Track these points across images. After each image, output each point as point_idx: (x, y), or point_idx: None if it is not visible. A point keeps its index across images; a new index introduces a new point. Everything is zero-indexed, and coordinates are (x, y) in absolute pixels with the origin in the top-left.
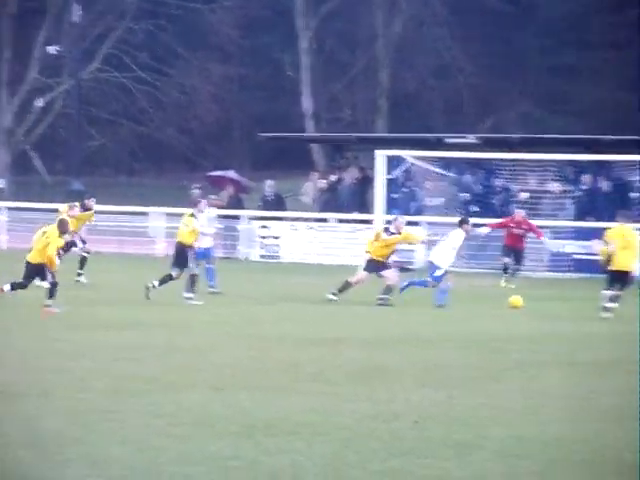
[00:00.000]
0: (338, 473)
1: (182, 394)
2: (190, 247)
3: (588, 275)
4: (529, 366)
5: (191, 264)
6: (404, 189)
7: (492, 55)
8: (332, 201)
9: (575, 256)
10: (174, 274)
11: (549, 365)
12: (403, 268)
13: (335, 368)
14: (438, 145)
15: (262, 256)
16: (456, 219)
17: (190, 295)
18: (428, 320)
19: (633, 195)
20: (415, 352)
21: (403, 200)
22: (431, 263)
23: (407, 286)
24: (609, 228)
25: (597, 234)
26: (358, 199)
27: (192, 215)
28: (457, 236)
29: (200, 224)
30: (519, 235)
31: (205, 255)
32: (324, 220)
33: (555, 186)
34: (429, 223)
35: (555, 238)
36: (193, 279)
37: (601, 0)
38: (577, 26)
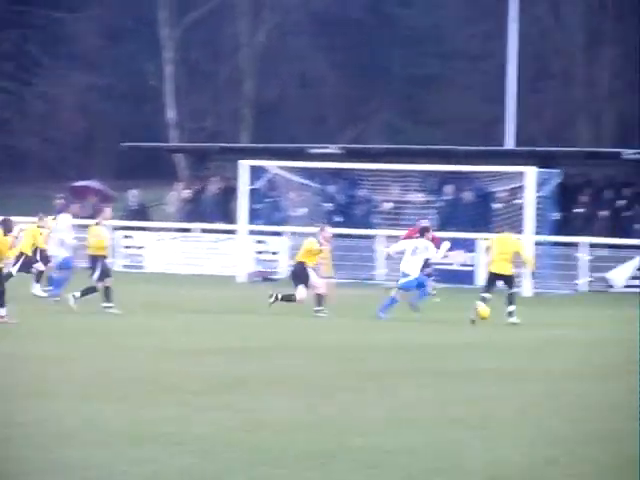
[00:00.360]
0: None
1: (43, 403)
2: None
3: (449, 285)
4: (389, 376)
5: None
6: (268, 199)
7: (355, 65)
8: (196, 211)
9: (435, 266)
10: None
11: (408, 375)
12: (266, 278)
13: (197, 378)
14: (301, 155)
15: (125, 266)
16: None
17: (109, 305)
18: (293, 329)
19: (495, 206)
20: (277, 361)
21: (267, 210)
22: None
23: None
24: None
25: (459, 244)
26: (221, 209)
27: (98, 224)
28: (426, 245)
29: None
30: None
31: (63, 264)
32: (188, 230)
33: (418, 196)
34: (293, 233)
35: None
36: (107, 290)
37: (462, 12)
38: (439, 37)
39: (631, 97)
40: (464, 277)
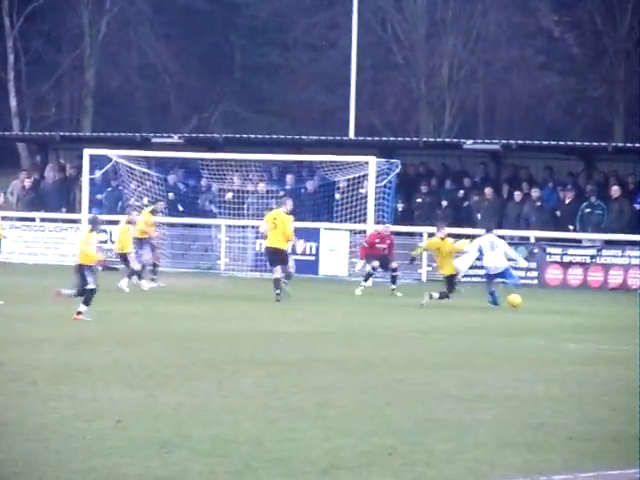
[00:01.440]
0: (39, 472)
1: None
2: None
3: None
4: (226, 365)
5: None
6: (109, 189)
7: (196, 54)
8: (36, 200)
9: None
10: None
11: (244, 364)
12: (107, 267)
13: (37, 368)
14: (144, 145)
15: None
16: (162, 219)
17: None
18: (132, 318)
19: (337, 196)
20: (119, 351)
21: (108, 199)
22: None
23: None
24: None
25: (301, 234)
26: (62, 198)
27: None
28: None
29: None
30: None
31: None
32: (31, 220)
33: (260, 186)
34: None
35: (259, 238)
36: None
37: (304, 1)
38: (280, 26)
39: (471, 87)
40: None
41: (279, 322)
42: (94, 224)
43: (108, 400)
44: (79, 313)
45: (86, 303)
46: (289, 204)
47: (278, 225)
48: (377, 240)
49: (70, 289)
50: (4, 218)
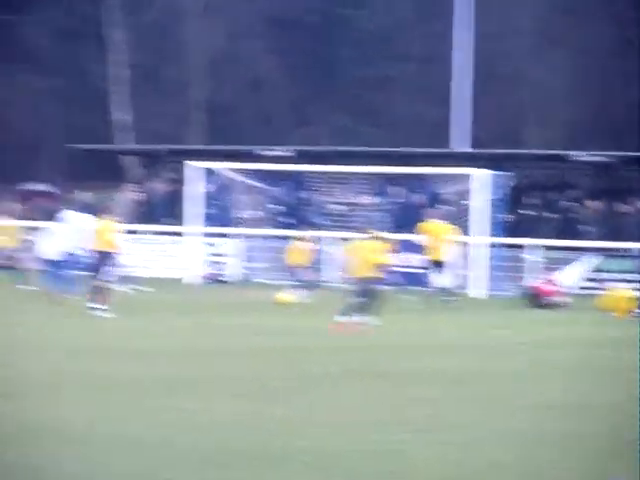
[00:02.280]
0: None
1: None
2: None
3: (405, 287)
4: (334, 378)
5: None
6: (217, 202)
7: (305, 67)
8: (145, 213)
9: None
10: None
11: (353, 376)
12: (216, 280)
13: (144, 380)
14: (251, 157)
15: None
16: (267, 232)
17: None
18: (238, 331)
19: (444, 207)
20: (221, 364)
21: (217, 212)
22: None
23: None
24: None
25: (409, 246)
26: (170, 211)
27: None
28: None
29: None
30: None
31: None
32: (136, 232)
33: (366, 199)
34: (242, 235)
35: None
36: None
37: (411, 14)
38: (388, 39)
39: (581, 100)
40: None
41: (386, 334)
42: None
43: (214, 413)
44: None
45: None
46: None
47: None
48: None
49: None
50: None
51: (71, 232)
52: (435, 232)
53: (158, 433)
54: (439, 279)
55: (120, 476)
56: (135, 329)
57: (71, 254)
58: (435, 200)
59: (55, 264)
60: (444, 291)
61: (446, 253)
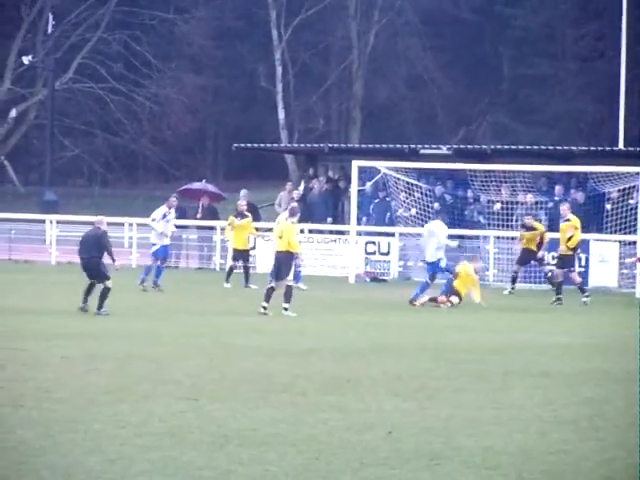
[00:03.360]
0: None
1: (149, 404)
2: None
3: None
4: (495, 376)
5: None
6: (377, 200)
7: (464, 66)
8: (304, 211)
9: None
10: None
11: (514, 375)
12: (374, 278)
13: (306, 379)
14: (411, 156)
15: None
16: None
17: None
18: (401, 329)
19: (608, 207)
20: (387, 362)
21: (376, 210)
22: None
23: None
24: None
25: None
26: (330, 209)
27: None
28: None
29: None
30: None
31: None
32: (300, 231)
33: (527, 197)
34: (401, 234)
35: None
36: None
37: (572, 12)
38: (548, 37)
39: None
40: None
41: (548, 333)
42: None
43: (378, 411)
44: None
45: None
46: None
47: None
48: None
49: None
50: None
51: None
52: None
53: (324, 433)
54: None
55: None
56: (296, 328)
57: None
58: (597, 199)
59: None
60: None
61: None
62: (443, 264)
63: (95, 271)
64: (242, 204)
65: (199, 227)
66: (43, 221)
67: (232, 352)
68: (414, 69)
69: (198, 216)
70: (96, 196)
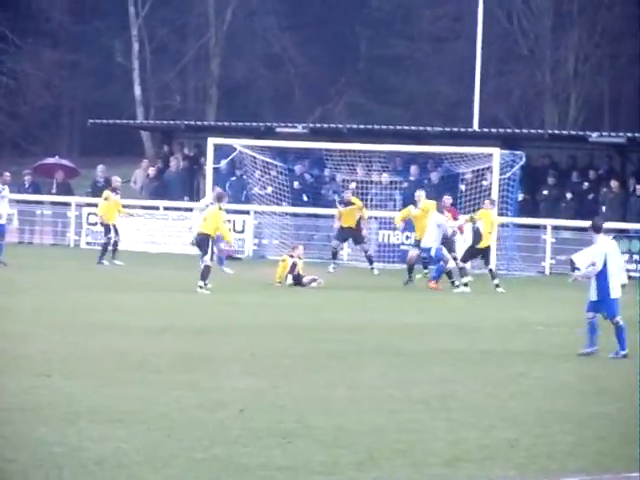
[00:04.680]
0: (161, 461)
1: (1, 379)
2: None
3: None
4: (349, 355)
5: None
6: (233, 178)
7: (322, 45)
8: (160, 189)
9: (402, 247)
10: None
11: (368, 354)
12: (229, 256)
13: (159, 356)
14: (268, 134)
15: (89, 243)
16: (285, 208)
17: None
18: (256, 309)
19: (462, 187)
20: (240, 341)
21: (232, 188)
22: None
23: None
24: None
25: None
26: (187, 187)
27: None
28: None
29: None
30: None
31: None
32: (155, 208)
33: (383, 177)
34: (256, 212)
35: (381, 229)
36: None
37: None
38: (405, 18)
39: (596, 80)
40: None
41: (400, 313)
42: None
43: (231, 389)
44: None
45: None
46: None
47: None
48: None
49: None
50: (127, 206)
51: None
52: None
53: (174, 409)
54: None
55: None
56: (151, 307)
57: None
58: (451, 179)
59: None
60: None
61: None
62: (433, 252)
63: None
64: (117, 179)
65: (54, 203)
66: None
67: (86, 329)
68: (271, 47)
69: (53, 191)
70: None
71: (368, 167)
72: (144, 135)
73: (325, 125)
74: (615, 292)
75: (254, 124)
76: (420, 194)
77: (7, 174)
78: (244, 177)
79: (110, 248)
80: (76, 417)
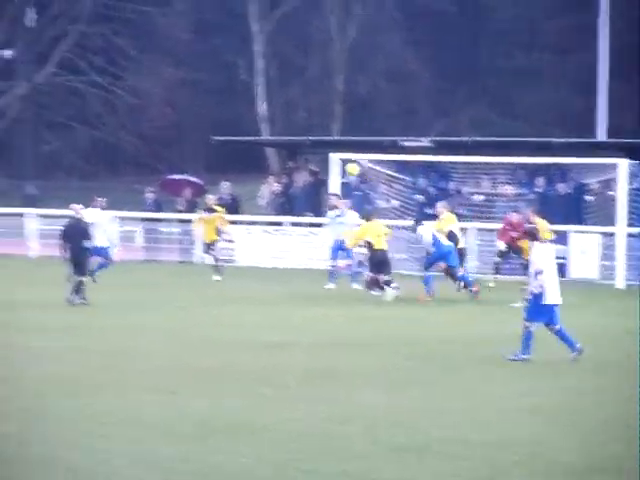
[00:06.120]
0: (291, 477)
1: (126, 397)
2: None
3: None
4: (468, 368)
5: None
6: (358, 192)
7: (443, 59)
8: (286, 204)
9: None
10: None
11: (486, 367)
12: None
13: (286, 372)
14: (392, 148)
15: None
16: (410, 222)
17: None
18: (375, 323)
19: (588, 198)
20: (363, 355)
21: (357, 203)
22: None
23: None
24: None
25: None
26: (311, 203)
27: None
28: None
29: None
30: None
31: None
32: (279, 224)
33: (508, 189)
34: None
35: None
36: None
37: (550, 4)
38: (526, 29)
39: None
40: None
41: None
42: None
43: (358, 404)
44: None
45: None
46: None
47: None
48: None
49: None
50: (254, 223)
51: None
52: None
53: (306, 424)
54: None
55: None
56: (276, 322)
57: None
58: (577, 191)
59: None
60: None
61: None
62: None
63: (81, 261)
64: (210, 199)
65: (180, 220)
66: (22, 215)
67: (212, 345)
68: (394, 62)
69: (180, 208)
70: (75, 189)
71: (493, 179)
72: (269, 151)
73: (449, 138)
74: None
75: (378, 138)
76: (440, 206)
77: (101, 199)
78: (369, 192)
79: (214, 263)
80: (204, 433)
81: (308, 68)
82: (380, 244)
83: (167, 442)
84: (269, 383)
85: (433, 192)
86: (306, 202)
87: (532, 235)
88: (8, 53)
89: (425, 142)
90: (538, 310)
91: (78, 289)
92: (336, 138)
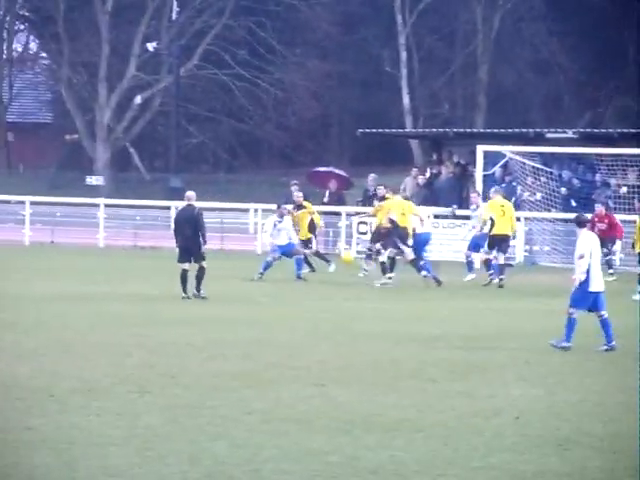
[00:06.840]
0: (438, 470)
1: (275, 390)
2: None
3: None
4: (626, 361)
5: None
6: (503, 184)
7: (589, 50)
8: (430, 197)
9: None
10: None
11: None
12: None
13: (433, 365)
14: (537, 140)
15: (359, 252)
16: (555, 214)
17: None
18: (523, 315)
19: None
20: (514, 348)
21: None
22: None
23: None
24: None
25: None
26: (456, 195)
27: None
28: None
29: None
30: (602, 229)
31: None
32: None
33: None
34: (526, 218)
35: None
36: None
37: None
38: None
39: None
40: None
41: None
42: None
43: (506, 397)
44: None
45: None
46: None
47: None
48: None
49: None
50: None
51: None
52: None
53: (450, 417)
54: None
55: None
56: (421, 315)
57: None
58: None
59: None
60: None
61: None
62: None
63: (196, 251)
64: (298, 196)
65: (325, 212)
66: (169, 207)
67: (358, 338)
68: (539, 53)
69: (325, 200)
70: (221, 182)
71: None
72: (413, 143)
73: (595, 130)
74: None
75: (523, 130)
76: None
77: (285, 207)
78: (514, 183)
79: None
80: (351, 426)
81: (452, 60)
82: (404, 222)
83: (313, 435)
84: (417, 376)
85: (577, 184)
86: (450, 194)
87: (579, 222)
88: (152, 46)
89: (570, 134)
90: (582, 297)
91: (200, 276)
92: (480, 130)
